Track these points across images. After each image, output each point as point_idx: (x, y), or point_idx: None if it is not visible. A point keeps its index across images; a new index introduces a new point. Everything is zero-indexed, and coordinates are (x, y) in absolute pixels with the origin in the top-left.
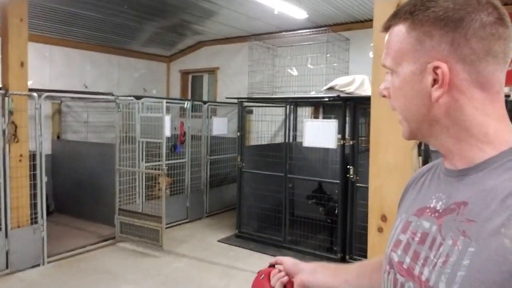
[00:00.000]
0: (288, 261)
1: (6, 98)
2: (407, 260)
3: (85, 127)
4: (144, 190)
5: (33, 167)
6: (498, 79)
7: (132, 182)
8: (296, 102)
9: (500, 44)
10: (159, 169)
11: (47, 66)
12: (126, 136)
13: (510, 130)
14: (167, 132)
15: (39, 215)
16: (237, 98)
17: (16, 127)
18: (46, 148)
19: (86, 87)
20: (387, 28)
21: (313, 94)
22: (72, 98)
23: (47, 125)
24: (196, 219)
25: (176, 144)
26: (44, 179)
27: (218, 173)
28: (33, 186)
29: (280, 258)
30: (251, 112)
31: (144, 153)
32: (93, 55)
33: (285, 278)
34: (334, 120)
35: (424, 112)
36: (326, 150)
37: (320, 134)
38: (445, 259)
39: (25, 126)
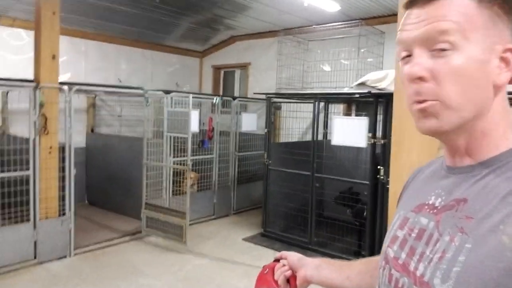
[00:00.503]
0: (292, 256)
1: (38, 91)
2: (403, 255)
3: (118, 121)
4: (171, 184)
5: (62, 159)
6: None
7: (159, 176)
8: (327, 99)
9: None
10: (185, 164)
11: (83, 61)
12: (156, 130)
13: None
14: (195, 127)
15: (67, 207)
16: (265, 94)
17: (46, 119)
18: (80, 141)
19: (120, 81)
20: None
21: (345, 90)
22: (105, 92)
23: (81, 119)
24: (222, 216)
25: (204, 139)
26: (73, 171)
27: (246, 170)
28: (62, 178)
29: (285, 253)
30: (279, 107)
31: (171, 148)
32: (127, 50)
33: (289, 272)
34: (365, 117)
35: (484, 99)
36: (357, 149)
37: (350, 132)
38: (441, 255)
39: (55, 119)
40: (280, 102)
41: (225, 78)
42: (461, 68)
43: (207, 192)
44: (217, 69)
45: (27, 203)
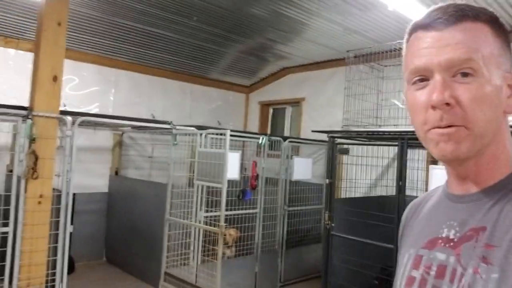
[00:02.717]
0: None
1: (28, 120)
2: None
3: (149, 162)
4: (200, 248)
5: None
6: None
7: (186, 237)
8: (411, 140)
9: None
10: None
11: (111, 92)
12: (190, 176)
13: None
14: (234, 174)
15: (57, 276)
16: (328, 132)
17: (36, 158)
18: (102, 185)
19: (154, 117)
20: (458, 18)
21: None
22: (133, 127)
23: (105, 159)
24: None
25: (245, 189)
26: (69, 228)
27: (298, 229)
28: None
29: None
30: (346, 152)
31: (203, 199)
32: (164, 82)
33: None
34: None
35: (497, 125)
36: None
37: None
38: None
39: (51, 159)
40: (348, 144)
41: (274, 116)
42: (484, 94)
43: (247, 258)
44: (265, 105)
45: (2, 271)
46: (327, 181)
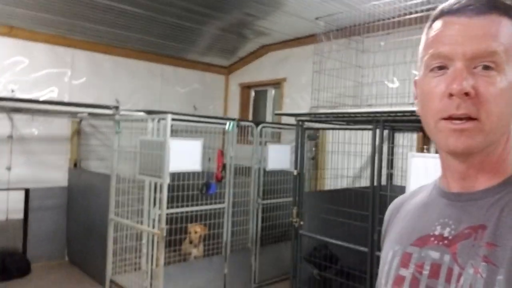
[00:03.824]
0: None
1: None
2: None
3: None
4: (155, 250)
5: None
6: None
7: (137, 238)
8: (393, 122)
9: None
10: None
11: (68, 74)
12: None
13: None
14: (196, 165)
15: None
16: (293, 115)
17: None
18: (61, 178)
19: (118, 102)
20: (489, 9)
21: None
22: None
23: (62, 150)
24: None
25: (209, 182)
26: None
27: (274, 224)
28: None
29: None
30: (314, 138)
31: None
32: (130, 63)
33: None
34: None
35: (509, 122)
36: None
37: (431, 176)
38: None
39: None
40: (318, 129)
41: (256, 99)
42: (503, 90)
43: (213, 258)
44: (245, 87)
45: None
46: (295, 172)
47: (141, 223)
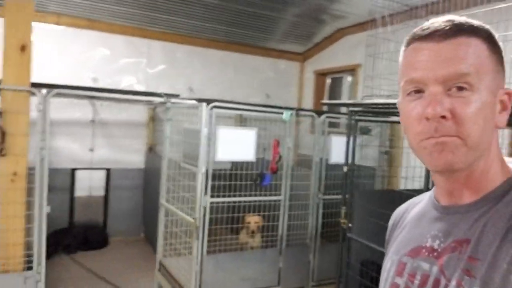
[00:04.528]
0: None
1: None
2: None
3: (168, 140)
4: (205, 235)
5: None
6: None
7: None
8: None
9: None
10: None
11: (144, 63)
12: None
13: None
14: (248, 155)
15: (34, 258)
16: (343, 104)
17: (3, 134)
18: (139, 161)
19: (192, 90)
20: (456, 33)
21: None
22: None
23: (140, 135)
24: None
25: (263, 173)
26: (46, 209)
27: (337, 222)
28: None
29: None
30: (366, 131)
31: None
32: (202, 52)
33: None
34: None
35: (489, 139)
36: None
37: None
38: None
39: (24, 135)
40: (371, 121)
41: (332, 87)
42: (479, 109)
43: (267, 250)
44: (320, 75)
45: None
46: (345, 168)
47: (184, 210)
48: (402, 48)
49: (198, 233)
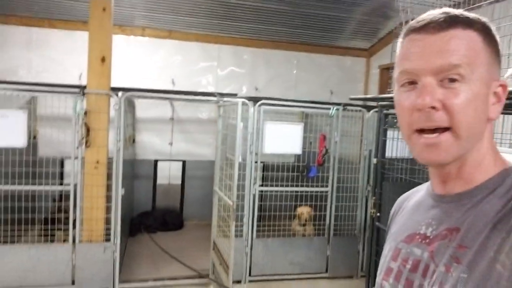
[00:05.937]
0: None
1: (79, 98)
2: None
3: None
4: (254, 220)
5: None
6: None
7: (240, 209)
8: None
9: None
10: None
11: (215, 66)
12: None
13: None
14: (295, 148)
15: (112, 232)
16: (370, 99)
17: (88, 129)
18: (210, 153)
19: (257, 89)
20: (450, 25)
21: None
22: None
23: (212, 130)
24: (342, 277)
25: (309, 165)
26: (121, 191)
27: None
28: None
29: None
30: (393, 125)
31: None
32: (265, 53)
33: None
34: None
35: (481, 130)
36: None
37: None
38: (439, 286)
39: (104, 130)
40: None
41: None
42: (470, 100)
43: (315, 238)
44: (384, 69)
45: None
46: (375, 160)
47: (229, 197)
48: (400, 40)
49: (235, 216)
